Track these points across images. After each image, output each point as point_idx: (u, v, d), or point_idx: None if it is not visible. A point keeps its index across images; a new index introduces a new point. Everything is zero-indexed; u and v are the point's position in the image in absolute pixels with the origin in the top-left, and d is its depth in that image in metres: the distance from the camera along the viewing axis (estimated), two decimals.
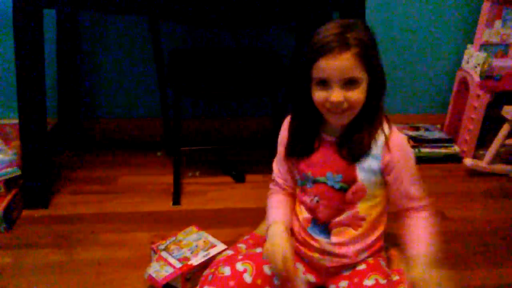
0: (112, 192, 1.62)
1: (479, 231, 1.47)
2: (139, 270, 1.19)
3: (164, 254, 1.19)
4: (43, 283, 1.18)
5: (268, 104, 1.73)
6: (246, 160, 1.85)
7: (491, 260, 1.33)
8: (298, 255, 1.13)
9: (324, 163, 1.01)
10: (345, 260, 1.08)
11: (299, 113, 1.02)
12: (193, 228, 1.32)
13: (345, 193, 1.00)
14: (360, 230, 1.04)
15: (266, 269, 1.08)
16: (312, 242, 1.07)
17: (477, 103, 1.83)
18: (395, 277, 1.16)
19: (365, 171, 0.98)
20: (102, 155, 1.88)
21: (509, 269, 1.30)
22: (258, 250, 1.15)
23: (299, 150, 1.03)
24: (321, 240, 1.06)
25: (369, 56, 0.91)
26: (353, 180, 0.99)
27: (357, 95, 0.91)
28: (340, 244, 1.05)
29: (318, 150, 1.02)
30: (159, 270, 1.13)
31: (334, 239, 1.05)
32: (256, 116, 2.01)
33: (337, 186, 1.01)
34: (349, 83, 0.90)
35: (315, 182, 1.03)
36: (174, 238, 1.26)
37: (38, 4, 1.36)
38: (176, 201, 1.57)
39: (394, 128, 1.00)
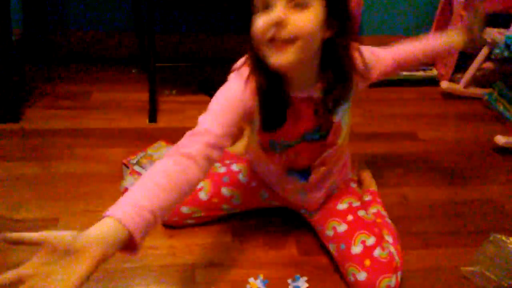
0: (86, 108, 1.58)
1: (448, 152, 1.52)
2: (115, 183, 1.20)
3: (137, 168, 1.20)
4: (18, 193, 1.18)
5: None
6: (224, 78, 1.80)
7: (455, 178, 1.40)
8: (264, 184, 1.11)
9: (296, 125, 0.90)
10: (316, 196, 1.05)
11: (262, 71, 0.84)
12: (162, 143, 1.32)
13: (325, 139, 0.94)
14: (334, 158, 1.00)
15: (224, 191, 1.09)
16: (288, 186, 1.04)
17: (460, 24, 1.80)
18: (367, 198, 1.20)
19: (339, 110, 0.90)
20: (74, 69, 1.81)
21: (471, 186, 1.36)
22: (235, 167, 1.14)
23: (275, 121, 0.87)
24: (298, 182, 1.02)
25: None
26: (331, 124, 0.92)
27: (304, 19, 0.74)
28: (316, 182, 1.01)
29: (288, 112, 0.87)
30: (134, 183, 1.14)
31: (312, 178, 1.00)
32: (236, 32, 1.93)
33: (317, 136, 0.94)
34: (296, 5, 0.74)
35: (288, 146, 0.95)
36: (144, 153, 1.26)
37: None
38: (152, 118, 1.55)
39: (363, 52, 0.88)
